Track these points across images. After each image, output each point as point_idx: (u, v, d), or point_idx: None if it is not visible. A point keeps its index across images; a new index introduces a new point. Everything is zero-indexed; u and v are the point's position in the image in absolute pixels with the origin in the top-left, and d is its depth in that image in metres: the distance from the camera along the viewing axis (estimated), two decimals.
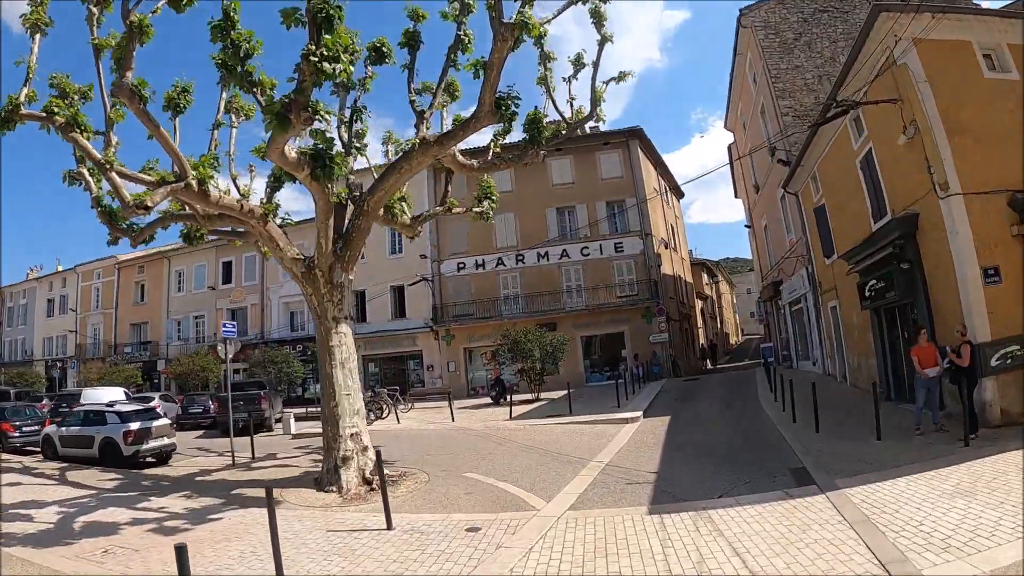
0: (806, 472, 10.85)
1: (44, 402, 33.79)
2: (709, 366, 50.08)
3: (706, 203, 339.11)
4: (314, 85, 9.75)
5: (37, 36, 11.97)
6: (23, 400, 35.36)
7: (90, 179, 14.34)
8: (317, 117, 10.05)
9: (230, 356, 19.44)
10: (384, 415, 26.63)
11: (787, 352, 34.95)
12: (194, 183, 12.09)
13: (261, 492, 13.14)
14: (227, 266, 48.89)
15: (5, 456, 21.15)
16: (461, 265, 39.96)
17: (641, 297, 36.29)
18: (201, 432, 28.28)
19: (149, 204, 11.72)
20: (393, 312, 41.76)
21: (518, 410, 24.92)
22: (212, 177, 12.53)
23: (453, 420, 23.82)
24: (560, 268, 38.18)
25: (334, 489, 12.69)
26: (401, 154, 14.25)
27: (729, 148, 44.07)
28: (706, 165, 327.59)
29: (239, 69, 10.61)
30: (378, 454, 10.64)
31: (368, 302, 42.12)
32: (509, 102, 12.37)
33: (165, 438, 19.92)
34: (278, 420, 27.37)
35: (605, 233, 38.02)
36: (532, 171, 38.54)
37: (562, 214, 39.07)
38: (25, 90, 11.74)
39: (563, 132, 15.10)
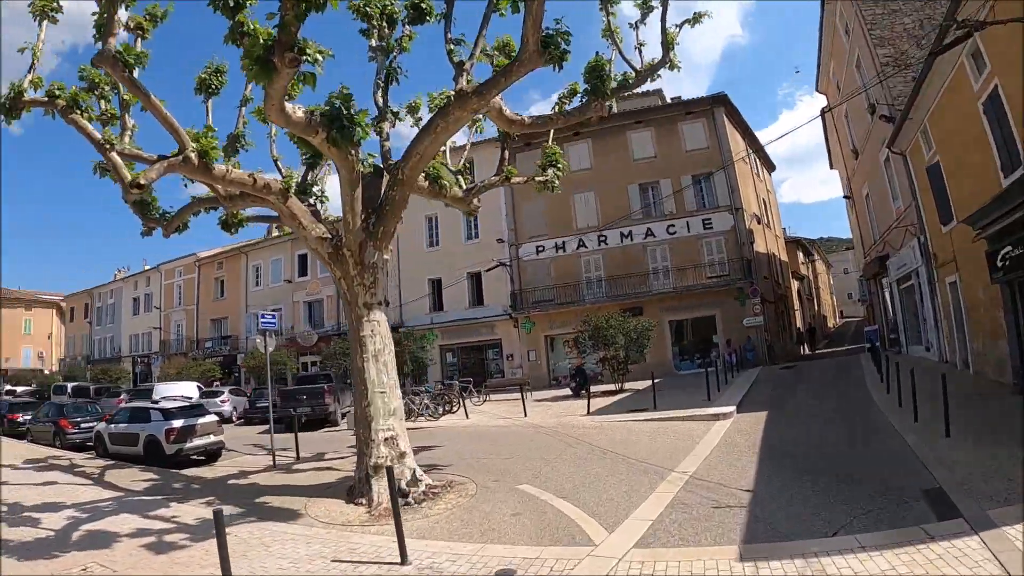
0: (945, 496, 8.23)
1: (121, 397, 34.17)
2: (806, 351, 46.51)
3: (797, 182, 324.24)
4: (297, 19, 7.84)
5: (44, 23, 11.20)
6: (102, 396, 35.89)
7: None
8: (305, 58, 8.14)
9: (270, 349, 18.31)
10: (454, 409, 24.85)
11: (895, 335, 31.48)
12: (193, 156, 10.58)
13: (286, 501, 12.06)
14: (302, 259, 48.75)
15: (58, 453, 21.34)
16: (540, 248, 37.92)
17: (733, 277, 33.33)
18: (267, 427, 27.21)
19: (143, 182, 10.48)
20: (471, 300, 40.20)
21: (598, 403, 22.86)
22: (215, 149, 10.97)
23: (525, 415, 21.77)
24: (645, 248, 35.62)
25: (364, 502, 11.03)
26: (436, 111, 12.28)
27: (822, 112, 40.59)
28: (796, 142, 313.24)
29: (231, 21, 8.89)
30: (389, 471, 8.69)
31: (444, 289, 40.72)
32: (559, 39, 10.21)
33: (211, 436, 18.93)
34: (344, 414, 26.02)
35: (692, 209, 35.12)
36: (611, 146, 36.47)
37: (645, 190, 36.33)
38: (30, 76, 11.19)
39: (631, 82, 12.80)
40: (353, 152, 11.15)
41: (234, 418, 31.97)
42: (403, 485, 11.14)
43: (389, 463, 11.12)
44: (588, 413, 20.59)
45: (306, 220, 12.53)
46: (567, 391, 28.98)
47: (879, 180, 28.63)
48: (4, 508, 12.26)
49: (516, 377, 35.12)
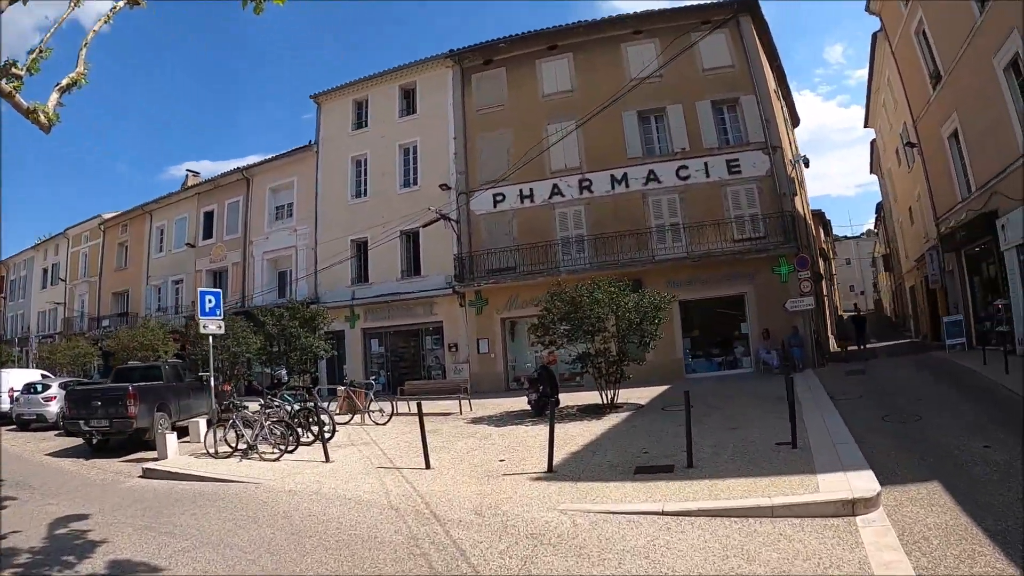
0: None
1: None
2: (841, 348, 36.02)
3: None
4: None
5: None
6: None
7: None
8: None
9: None
10: (328, 432, 14.28)
11: (1002, 326, 21.71)
12: None
13: None
14: (208, 216, 39.14)
15: None
16: (499, 197, 27.90)
17: (772, 240, 23.51)
18: (80, 442, 17.40)
19: None
20: (404, 268, 30.07)
21: (573, 437, 13.03)
22: None
23: (428, 467, 11.49)
24: (646, 198, 25.69)
25: None
26: None
27: (874, 38, 31.21)
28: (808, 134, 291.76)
29: None
30: None
31: (371, 251, 30.46)
32: None
33: None
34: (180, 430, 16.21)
35: (713, 146, 25.31)
36: (600, 61, 26.79)
37: (646, 121, 26.54)
38: None
39: None
40: None
41: (61, 423, 21.67)
42: None
43: None
44: (550, 470, 10.36)
45: None
46: (528, 405, 18.41)
47: (988, 103, 19.16)
48: None
49: (458, 378, 25.01)
